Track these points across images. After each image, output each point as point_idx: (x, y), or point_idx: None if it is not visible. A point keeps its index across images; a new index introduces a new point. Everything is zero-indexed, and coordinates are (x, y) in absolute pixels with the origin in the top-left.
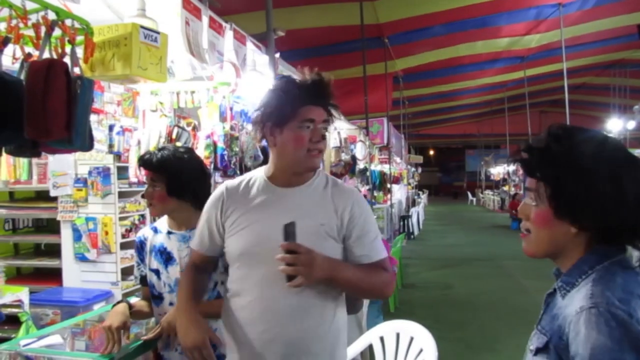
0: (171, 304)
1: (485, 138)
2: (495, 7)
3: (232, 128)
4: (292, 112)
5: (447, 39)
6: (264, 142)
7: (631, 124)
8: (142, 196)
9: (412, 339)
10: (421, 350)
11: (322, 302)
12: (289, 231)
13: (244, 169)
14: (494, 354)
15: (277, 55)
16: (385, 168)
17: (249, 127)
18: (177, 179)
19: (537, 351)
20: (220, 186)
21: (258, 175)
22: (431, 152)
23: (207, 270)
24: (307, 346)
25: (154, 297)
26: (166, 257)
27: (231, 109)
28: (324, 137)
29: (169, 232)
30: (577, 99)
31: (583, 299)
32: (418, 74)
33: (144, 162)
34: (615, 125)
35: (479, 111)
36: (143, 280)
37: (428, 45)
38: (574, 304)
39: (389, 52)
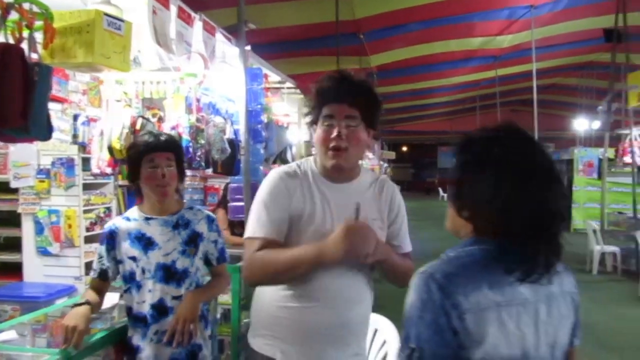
0: (150, 290)
1: (457, 135)
2: (469, 6)
3: (198, 120)
4: (318, 111)
5: (422, 36)
6: (231, 135)
7: (596, 124)
8: (163, 176)
9: (376, 330)
10: (385, 342)
11: (367, 289)
12: (357, 209)
13: (210, 162)
14: None
15: (248, 48)
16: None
17: (217, 119)
18: (182, 158)
19: None
20: (274, 174)
21: (308, 167)
22: (404, 149)
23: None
24: (354, 328)
25: (131, 286)
26: (146, 243)
27: (198, 100)
28: (348, 135)
29: (148, 218)
30: (546, 99)
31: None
32: (392, 71)
33: (156, 145)
34: (581, 125)
35: (452, 109)
36: (103, 273)
37: (402, 42)
38: None
39: (364, 49)
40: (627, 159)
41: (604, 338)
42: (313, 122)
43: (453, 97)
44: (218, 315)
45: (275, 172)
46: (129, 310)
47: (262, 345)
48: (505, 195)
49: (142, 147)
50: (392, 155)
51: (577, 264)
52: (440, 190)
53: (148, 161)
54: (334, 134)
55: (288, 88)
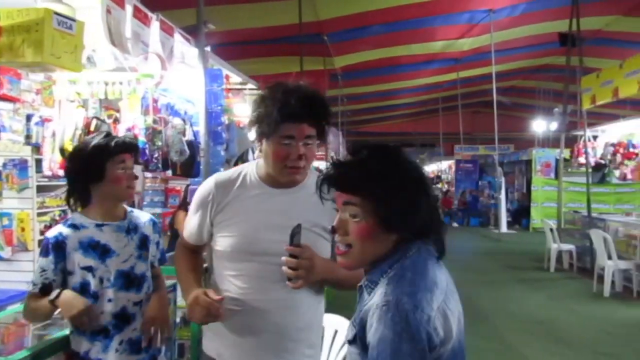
0: (110, 300)
1: (421, 137)
2: (430, 10)
3: (155, 121)
4: (273, 127)
5: (385, 40)
6: (190, 137)
7: (553, 125)
8: (136, 177)
9: (336, 331)
10: (344, 343)
11: (308, 295)
12: (295, 233)
13: (169, 164)
14: None
15: (208, 48)
16: (322, 165)
17: (175, 121)
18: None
19: (350, 342)
20: (210, 180)
21: (249, 171)
22: None
23: (198, 251)
24: (294, 334)
25: (87, 297)
26: (102, 251)
27: (156, 101)
28: (306, 155)
29: (100, 225)
30: (506, 101)
31: (379, 296)
32: (356, 72)
33: (128, 145)
34: (539, 126)
35: (415, 110)
36: (45, 288)
37: (366, 44)
38: (374, 300)
39: (328, 50)
40: (582, 159)
41: (560, 333)
42: (264, 135)
43: (416, 98)
44: (177, 319)
45: (210, 179)
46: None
47: (206, 344)
48: (424, 201)
49: (113, 147)
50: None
51: (535, 262)
52: None
53: (119, 162)
54: (294, 155)
55: (250, 89)
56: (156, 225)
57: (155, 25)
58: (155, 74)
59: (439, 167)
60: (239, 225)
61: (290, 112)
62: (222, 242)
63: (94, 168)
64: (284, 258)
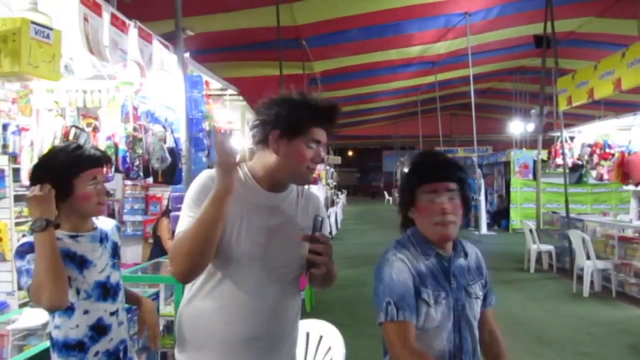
0: (86, 312)
1: (401, 139)
2: (407, 14)
3: (135, 129)
4: (304, 129)
5: (363, 46)
6: (171, 143)
7: (530, 127)
8: (108, 193)
9: (321, 337)
10: (330, 348)
11: (294, 297)
12: (318, 221)
13: (150, 171)
14: None
15: (187, 55)
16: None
17: (156, 128)
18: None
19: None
20: (205, 174)
21: (242, 172)
22: (350, 153)
23: None
24: (283, 337)
25: (55, 315)
26: (79, 262)
27: (136, 109)
28: (323, 159)
29: (75, 236)
30: (483, 103)
31: (472, 249)
32: (336, 77)
33: (99, 159)
34: (517, 128)
35: (395, 113)
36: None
37: (344, 51)
38: (474, 253)
39: (307, 54)
40: (559, 160)
41: (540, 333)
42: (289, 135)
43: (396, 101)
44: (160, 327)
45: (206, 172)
46: (55, 342)
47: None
48: None
49: (82, 162)
50: (338, 160)
51: (515, 262)
52: (386, 193)
53: (89, 178)
54: (317, 158)
55: (230, 95)
56: (120, 230)
57: (133, 32)
58: (135, 81)
59: None
60: (236, 229)
61: (324, 119)
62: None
63: (60, 184)
64: (309, 245)
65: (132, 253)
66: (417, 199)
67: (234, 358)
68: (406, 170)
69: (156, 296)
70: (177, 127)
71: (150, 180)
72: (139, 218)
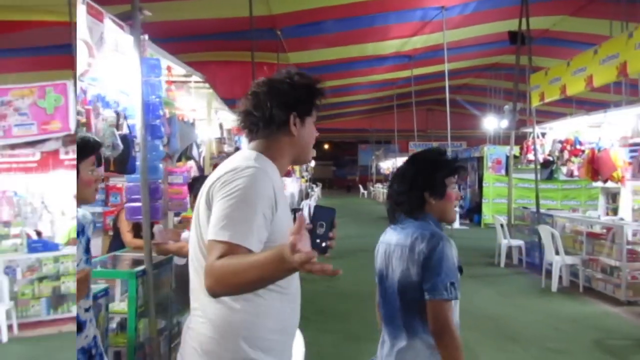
0: None
1: (376, 133)
2: (383, 6)
3: (79, 113)
4: (314, 109)
5: (340, 39)
6: (125, 130)
7: (504, 123)
8: (102, 180)
9: None
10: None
11: None
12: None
13: (102, 160)
14: (372, 343)
15: (145, 37)
16: None
17: (107, 113)
18: None
19: None
20: (259, 173)
21: (267, 164)
22: (326, 146)
23: None
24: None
25: None
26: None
27: (84, 92)
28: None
29: None
30: (459, 99)
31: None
32: (311, 69)
33: (99, 144)
34: (491, 124)
35: (371, 107)
36: None
37: (321, 43)
38: None
39: (282, 45)
40: (531, 156)
41: (508, 328)
42: (306, 115)
43: (372, 95)
44: (114, 325)
45: (262, 173)
46: None
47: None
48: None
49: (94, 146)
50: (313, 153)
51: (486, 257)
52: (361, 187)
53: (91, 163)
54: (317, 136)
55: (196, 82)
56: (95, 225)
57: (81, 8)
58: (82, 61)
59: (394, 164)
60: (280, 220)
61: (321, 95)
62: (276, 241)
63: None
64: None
65: (92, 246)
66: (445, 189)
67: (289, 349)
68: (433, 164)
69: (105, 292)
70: (131, 113)
71: (101, 169)
72: (98, 209)
